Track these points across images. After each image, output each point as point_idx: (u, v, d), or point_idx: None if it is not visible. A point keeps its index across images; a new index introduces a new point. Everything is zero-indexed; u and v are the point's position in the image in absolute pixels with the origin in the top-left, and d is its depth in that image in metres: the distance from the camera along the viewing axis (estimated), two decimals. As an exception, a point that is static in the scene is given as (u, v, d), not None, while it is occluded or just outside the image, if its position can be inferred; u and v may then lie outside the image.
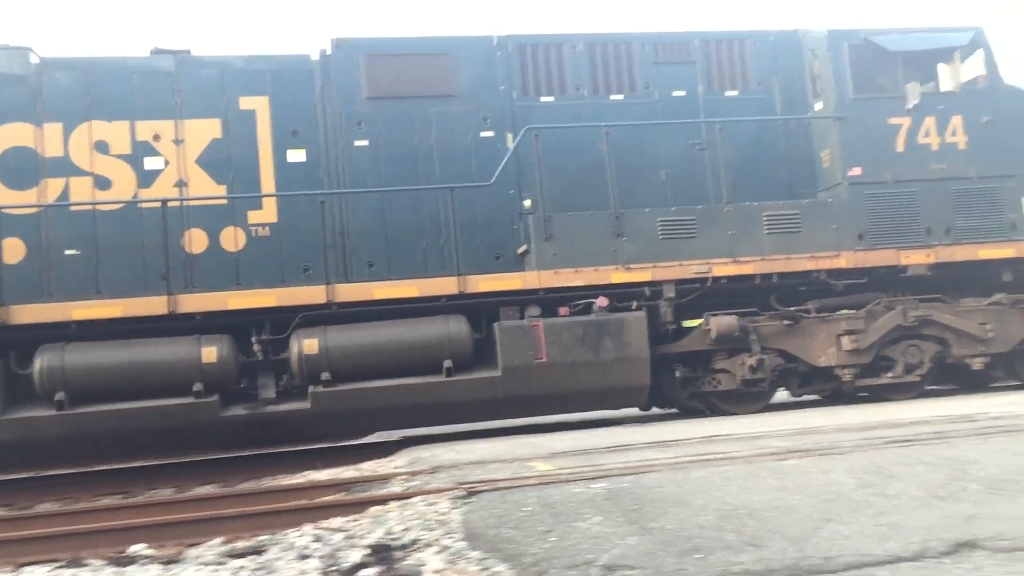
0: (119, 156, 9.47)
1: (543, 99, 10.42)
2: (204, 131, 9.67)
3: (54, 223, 9.23)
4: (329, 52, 10.09)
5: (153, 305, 8.89)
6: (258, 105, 9.82)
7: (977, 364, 10.38)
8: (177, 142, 9.59)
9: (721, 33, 11.11)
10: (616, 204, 9.71)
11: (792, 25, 14.16)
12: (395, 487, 6.03)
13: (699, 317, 10.00)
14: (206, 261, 9.42)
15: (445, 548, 4.02)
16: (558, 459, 6.10)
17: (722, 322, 9.82)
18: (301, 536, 4.69)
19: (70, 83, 9.49)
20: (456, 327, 9.25)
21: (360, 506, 5.23)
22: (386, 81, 10.08)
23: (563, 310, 9.57)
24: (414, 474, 6.33)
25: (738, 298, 10.11)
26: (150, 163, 9.52)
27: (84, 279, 9.16)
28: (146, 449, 9.57)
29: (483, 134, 10.24)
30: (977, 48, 10.82)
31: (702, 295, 9.86)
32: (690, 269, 9.77)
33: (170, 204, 9.25)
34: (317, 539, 4.56)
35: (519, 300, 9.56)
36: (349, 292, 9.30)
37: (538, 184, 9.70)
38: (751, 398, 10.22)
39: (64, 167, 9.31)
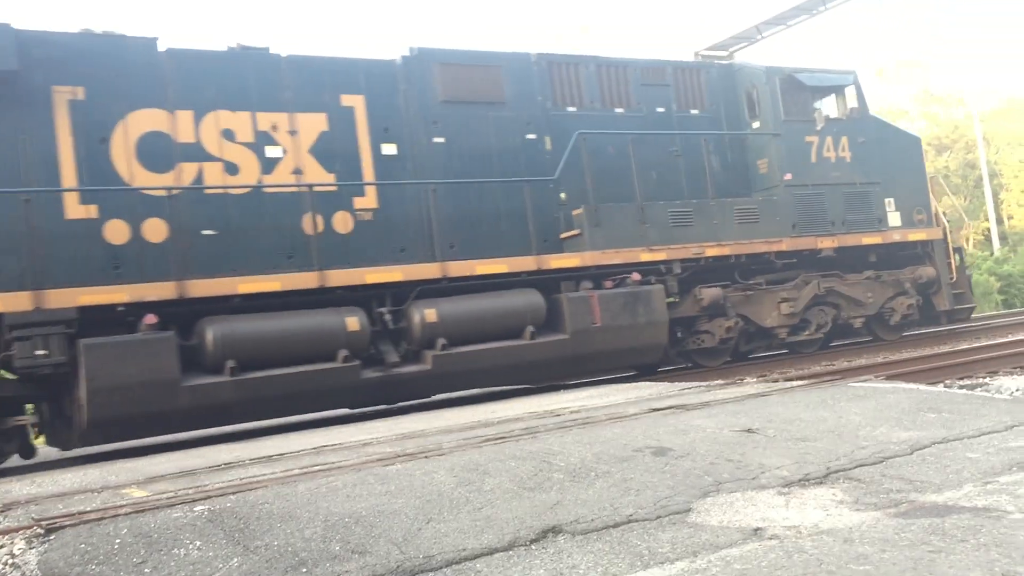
0: (244, 144, 10.26)
1: (568, 109, 12.51)
2: (314, 124, 10.70)
3: (192, 205, 9.86)
4: (408, 57, 11.49)
5: (306, 280, 10.03)
6: (356, 103, 11.02)
7: (857, 323, 14.24)
8: (292, 133, 10.51)
9: (686, 62, 14.41)
10: (640, 197, 12.16)
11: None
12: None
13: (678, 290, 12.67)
14: (322, 242, 10.35)
15: (19, 594, 3.57)
16: (157, 483, 5.70)
17: (710, 292, 12.64)
18: None
19: (197, 73, 10.13)
20: (535, 298, 11.29)
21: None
22: (455, 87, 11.66)
23: (608, 283, 11.82)
24: (-17, 514, 5.56)
25: (712, 273, 12.86)
26: (270, 151, 10.39)
27: (219, 258, 9.88)
28: (299, 408, 10.51)
29: (528, 136, 12.15)
30: (852, 86, 14.47)
31: (695, 271, 12.58)
32: (691, 250, 12.44)
33: (292, 190, 10.32)
34: None
35: (574, 276, 11.74)
36: (457, 268, 11.00)
37: (588, 180, 11.90)
38: (719, 353, 13.16)
39: (197, 153, 9.97)
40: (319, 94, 10.76)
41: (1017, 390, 7.46)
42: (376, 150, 11.02)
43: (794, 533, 3.59)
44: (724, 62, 14.39)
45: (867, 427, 5.66)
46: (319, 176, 10.55)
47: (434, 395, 11.84)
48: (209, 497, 4.63)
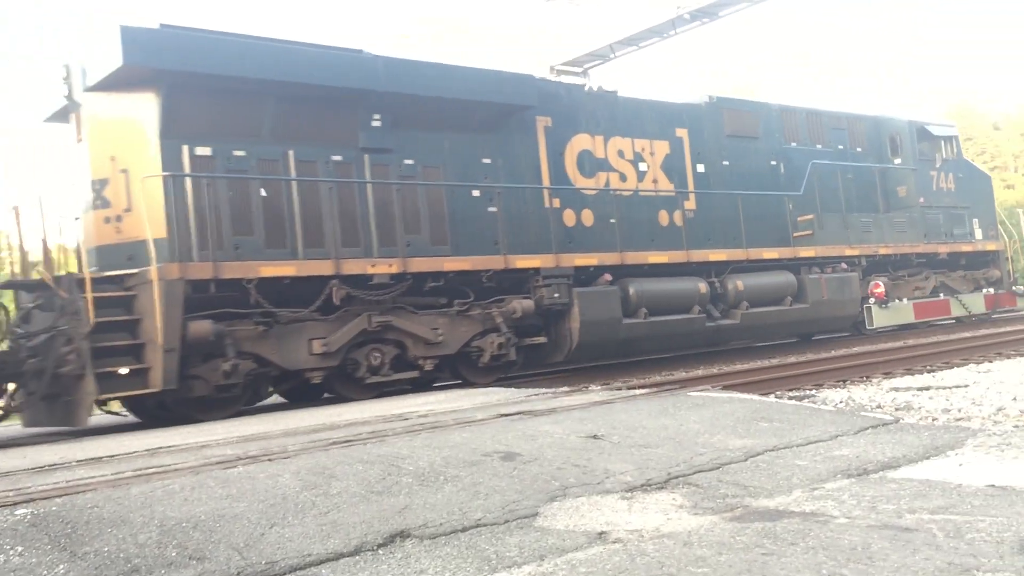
0: (628, 160, 14.41)
1: (792, 144, 16.95)
2: (662, 148, 14.91)
3: (605, 201, 13.85)
4: (708, 103, 15.89)
5: (677, 256, 14.42)
6: (683, 134, 15.25)
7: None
8: (651, 154, 14.72)
9: (854, 114, 18.85)
10: (844, 210, 17.07)
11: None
12: None
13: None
14: (668, 232, 14.58)
15: None
16: (-29, 485, 5.29)
17: (879, 280, 17.55)
18: None
19: (603, 109, 14.29)
20: (791, 277, 15.92)
21: None
22: (734, 125, 16.05)
23: (828, 269, 16.56)
24: None
25: (875, 267, 17.73)
26: (641, 166, 14.55)
27: (623, 239, 13.77)
28: (671, 346, 14.99)
29: (771, 162, 16.53)
30: (956, 135, 20.27)
31: (868, 265, 17.53)
32: (871, 249, 17.37)
33: (652, 194, 14.56)
34: None
35: (808, 263, 16.32)
36: (755, 253, 15.50)
37: (817, 196, 16.62)
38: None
39: (605, 165, 14.10)
40: (664, 127, 15.01)
41: (840, 402, 7.94)
42: (694, 168, 15.30)
43: (637, 536, 3.69)
44: (871, 115, 19.30)
45: (705, 435, 5.88)
46: (665, 185, 14.83)
47: (739, 343, 16.98)
48: (32, 500, 4.33)
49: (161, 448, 6.58)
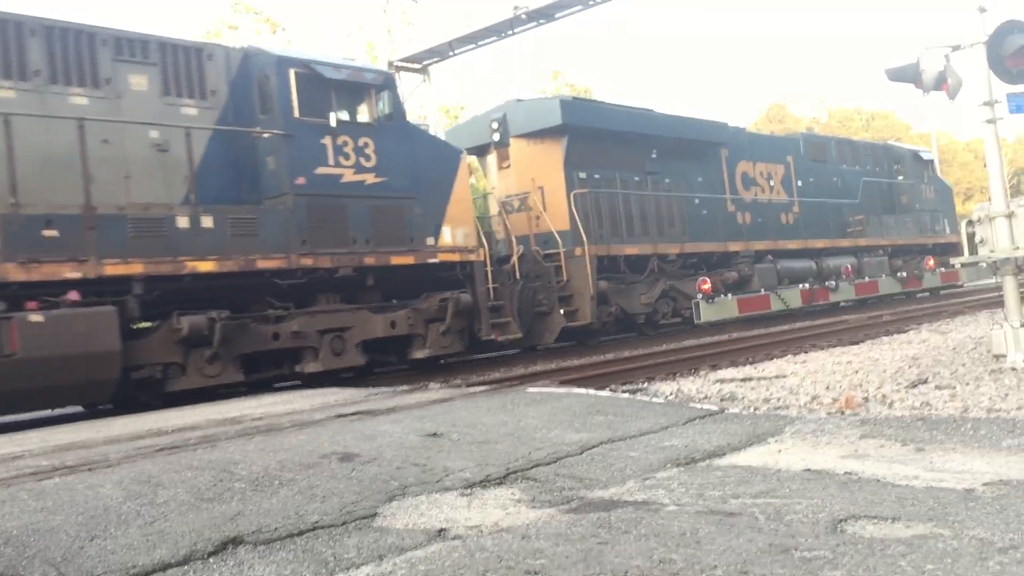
0: (764, 178, 20.42)
1: (843, 165, 23.11)
2: (779, 169, 20.86)
3: (755, 207, 19.94)
4: (800, 136, 22.66)
5: (799, 244, 20.83)
6: (790, 159, 21.23)
7: None
8: (774, 174, 20.67)
9: (877, 143, 26.67)
10: (881, 213, 23.68)
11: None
12: None
13: None
14: (786, 228, 20.72)
15: None
16: None
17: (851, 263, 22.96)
18: None
19: (749, 142, 20.49)
20: (855, 259, 22.41)
21: None
22: (813, 152, 22.13)
23: (868, 256, 23.14)
24: None
25: (895, 254, 24.36)
26: (770, 182, 20.49)
27: (766, 233, 20.16)
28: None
29: (833, 179, 22.44)
30: (930, 156, 28.75)
31: (894, 250, 24.22)
32: (892, 240, 24.01)
33: (782, 201, 20.86)
34: None
35: (860, 250, 22.93)
36: (835, 243, 21.93)
37: (865, 203, 23.31)
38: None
39: (753, 182, 20.09)
40: (780, 154, 21.10)
41: (671, 394, 8.25)
42: (796, 183, 21.26)
43: (476, 532, 3.70)
44: (884, 143, 26.16)
45: (543, 430, 5.98)
46: (782, 195, 20.73)
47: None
48: None
49: (-33, 461, 6.10)
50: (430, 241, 12.82)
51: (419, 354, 12.74)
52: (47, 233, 9.14)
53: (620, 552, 3.26)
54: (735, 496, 4.03)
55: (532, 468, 4.89)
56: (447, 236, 13.08)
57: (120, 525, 3.85)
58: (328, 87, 11.79)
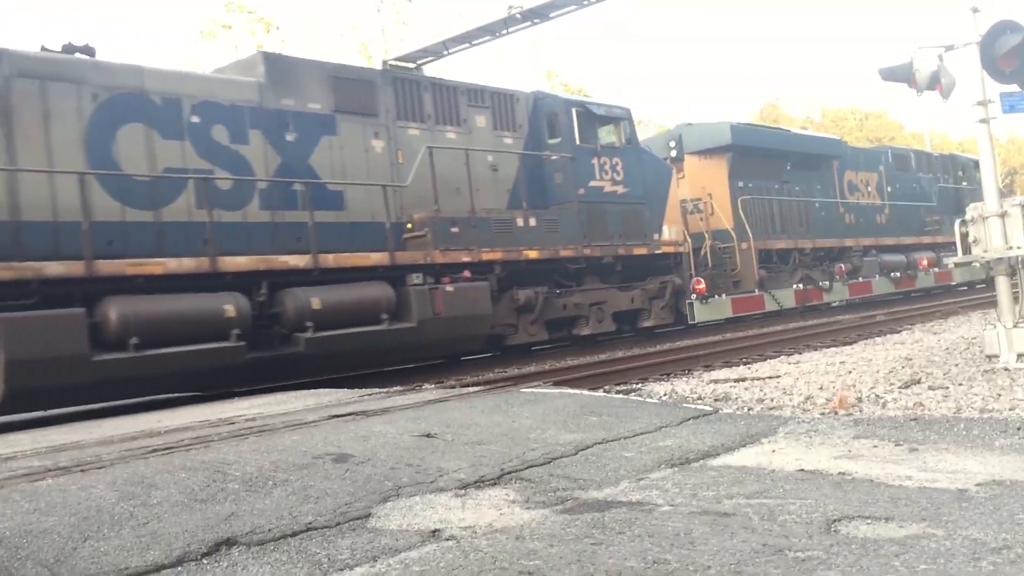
0: (863, 184, 23.95)
1: (919, 173, 26.46)
2: (873, 178, 24.52)
3: (857, 210, 23.58)
4: (888, 149, 26.74)
5: (893, 240, 24.70)
6: (881, 168, 24.91)
7: None
8: (870, 181, 24.21)
9: (937, 153, 29.98)
10: (948, 213, 24.84)
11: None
12: None
13: None
14: (879, 227, 24.35)
15: None
16: None
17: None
18: None
19: (852, 154, 24.38)
20: (934, 254, 25.15)
21: None
22: (897, 163, 25.64)
23: (942, 251, 25.74)
24: None
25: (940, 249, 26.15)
26: (868, 189, 24.12)
27: (868, 231, 23.90)
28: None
29: (913, 185, 26.04)
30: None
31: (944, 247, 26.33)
32: (945, 238, 24.22)
33: (876, 204, 24.66)
34: None
35: (937, 246, 25.63)
36: (917, 240, 25.82)
37: (940, 205, 26.57)
38: None
39: (856, 188, 23.82)
40: (873, 164, 24.46)
41: (665, 395, 8.26)
42: (886, 189, 24.83)
43: (470, 533, 3.70)
44: (939, 154, 28.75)
45: (537, 430, 5.98)
46: (875, 200, 24.28)
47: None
48: None
49: (-41, 462, 6.07)
50: (656, 236, 16.83)
51: (648, 323, 16.84)
52: (453, 230, 13.12)
53: (614, 553, 3.26)
54: (729, 496, 4.04)
55: (526, 469, 4.89)
56: (666, 233, 17.20)
57: (113, 526, 3.83)
58: (595, 121, 15.86)
